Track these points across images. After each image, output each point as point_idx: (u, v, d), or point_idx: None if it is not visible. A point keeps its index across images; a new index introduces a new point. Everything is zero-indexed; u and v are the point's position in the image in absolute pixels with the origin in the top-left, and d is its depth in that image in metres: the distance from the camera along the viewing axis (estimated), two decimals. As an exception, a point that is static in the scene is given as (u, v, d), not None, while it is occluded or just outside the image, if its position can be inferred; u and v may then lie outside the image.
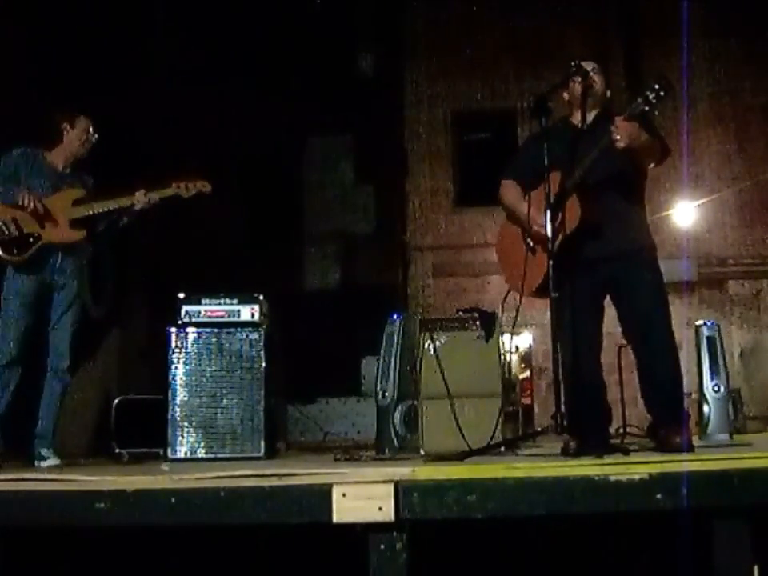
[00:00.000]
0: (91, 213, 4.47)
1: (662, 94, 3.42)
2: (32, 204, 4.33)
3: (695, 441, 3.91)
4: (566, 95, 3.90)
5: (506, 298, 3.90)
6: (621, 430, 4.69)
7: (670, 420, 3.64)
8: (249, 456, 4.60)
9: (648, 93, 3.43)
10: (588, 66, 3.82)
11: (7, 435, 4.38)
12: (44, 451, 4.36)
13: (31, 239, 4.38)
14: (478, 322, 4.38)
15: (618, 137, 3.47)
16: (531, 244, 3.84)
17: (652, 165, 3.79)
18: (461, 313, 4.51)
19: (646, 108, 3.45)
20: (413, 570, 2.53)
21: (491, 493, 2.56)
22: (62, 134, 4.60)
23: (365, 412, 8.92)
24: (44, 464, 4.28)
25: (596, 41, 11.56)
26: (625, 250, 3.72)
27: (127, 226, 4.68)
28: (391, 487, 2.52)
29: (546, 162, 3.53)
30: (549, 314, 3.47)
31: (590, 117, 3.83)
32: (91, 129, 4.64)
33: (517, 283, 3.79)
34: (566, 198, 3.64)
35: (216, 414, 4.70)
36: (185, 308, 4.87)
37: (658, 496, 2.51)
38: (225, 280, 5.84)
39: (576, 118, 3.86)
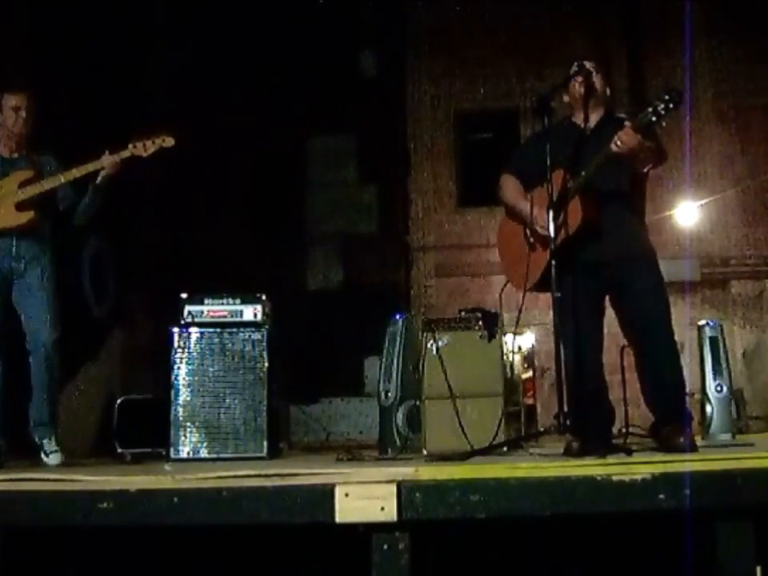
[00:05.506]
0: (40, 191, 4.33)
1: (671, 106, 3.39)
2: None
3: (698, 441, 3.90)
4: (566, 98, 3.89)
5: (503, 289, 3.90)
6: (623, 430, 4.68)
7: (672, 420, 3.64)
8: (251, 456, 4.60)
9: (657, 103, 3.41)
10: (587, 65, 3.81)
11: (8, 433, 4.37)
12: (46, 442, 4.33)
13: None
14: (480, 322, 4.38)
15: (619, 143, 3.47)
16: (532, 240, 3.85)
17: (648, 168, 3.79)
18: (463, 313, 4.51)
19: (654, 119, 3.43)
20: (415, 570, 2.53)
21: (494, 493, 2.56)
22: None
23: (367, 412, 8.94)
24: (49, 460, 4.28)
25: (598, 41, 11.55)
26: (624, 256, 3.72)
27: (97, 204, 4.45)
28: (394, 487, 2.53)
29: (548, 162, 3.54)
30: (551, 314, 3.48)
31: (594, 118, 3.83)
32: (16, 102, 4.39)
33: (516, 277, 3.80)
34: (568, 199, 3.64)
35: (219, 414, 4.70)
36: (187, 308, 4.86)
37: (661, 496, 2.51)
38: (227, 280, 5.83)
39: (579, 118, 3.86)
